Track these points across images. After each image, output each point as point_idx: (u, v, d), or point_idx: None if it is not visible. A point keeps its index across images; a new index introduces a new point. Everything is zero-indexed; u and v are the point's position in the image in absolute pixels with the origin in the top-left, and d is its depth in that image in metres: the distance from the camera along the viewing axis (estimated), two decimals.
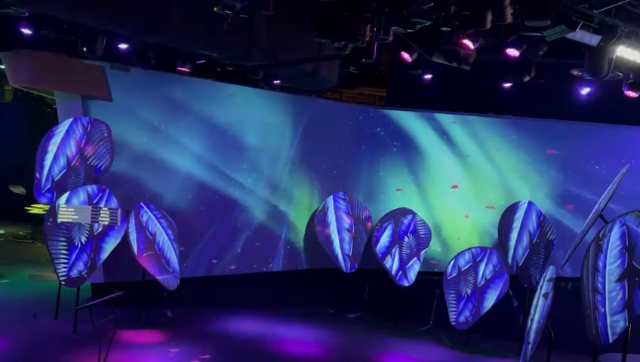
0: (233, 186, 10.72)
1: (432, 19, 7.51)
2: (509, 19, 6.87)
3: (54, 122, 9.83)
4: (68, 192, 8.80)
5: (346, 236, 11.27)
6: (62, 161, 9.30)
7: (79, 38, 9.05)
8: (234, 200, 10.75)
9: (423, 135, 11.59)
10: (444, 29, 7.84)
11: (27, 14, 8.85)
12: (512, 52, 8.41)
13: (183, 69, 10.07)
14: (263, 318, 10.38)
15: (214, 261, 10.63)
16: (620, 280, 7.14)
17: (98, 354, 7.23)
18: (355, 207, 11.44)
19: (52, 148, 9.29)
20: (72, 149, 9.31)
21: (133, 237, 9.18)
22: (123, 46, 9.76)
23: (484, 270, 10.10)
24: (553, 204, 11.15)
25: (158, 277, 9.28)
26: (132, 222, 9.24)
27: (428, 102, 11.67)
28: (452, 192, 11.51)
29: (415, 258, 11.12)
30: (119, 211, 9.05)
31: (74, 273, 8.65)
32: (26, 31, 9.47)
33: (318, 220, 11.23)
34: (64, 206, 8.68)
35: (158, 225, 9.51)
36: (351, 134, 11.73)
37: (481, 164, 11.46)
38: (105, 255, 8.94)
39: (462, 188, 11.51)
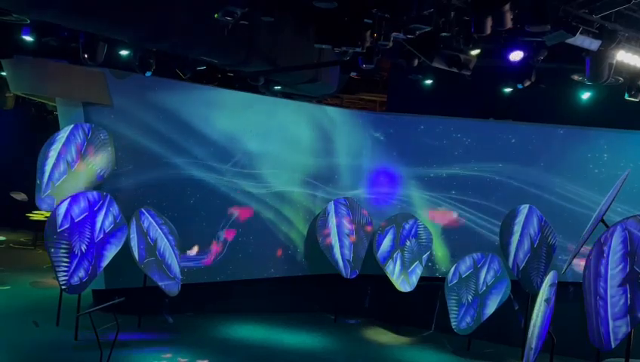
0: (234, 192, 10.72)
1: (432, 25, 7.52)
2: (509, 24, 6.88)
3: (56, 129, 9.85)
4: (68, 198, 8.80)
5: (347, 241, 11.26)
6: (62, 167, 9.31)
7: (80, 45, 9.08)
8: (235, 205, 10.75)
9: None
10: (444, 34, 7.85)
11: (29, 21, 8.90)
12: (516, 55, 8.40)
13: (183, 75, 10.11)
14: (264, 324, 10.36)
15: (216, 267, 10.62)
16: (622, 284, 7.12)
17: (100, 360, 7.22)
18: (355, 212, 11.44)
19: (53, 153, 9.30)
20: (72, 155, 9.32)
21: (134, 243, 9.17)
22: (124, 52, 9.80)
23: (486, 276, 10.09)
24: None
25: (160, 284, 9.28)
26: (133, 228, 9.23)
27: (428, 107, 11.68)
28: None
29: (417, 262, 11.11)
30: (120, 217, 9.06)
31: (75, 280, 8.64)
32: (28, 38, 9.51)
33: (318, 226, 11.23)
34: None
35: (160, 231, 9.51)
36: (352, 139, 11.74)
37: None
38: (106, 262, 8.93)
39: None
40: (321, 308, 11.43)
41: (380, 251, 11.07)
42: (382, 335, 10.56)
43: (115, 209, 9.06)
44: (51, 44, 9.77)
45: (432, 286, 11.00)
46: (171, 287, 9.39)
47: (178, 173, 10.15)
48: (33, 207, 10.93)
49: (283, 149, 11.16)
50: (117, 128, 9.58)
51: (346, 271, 11.12)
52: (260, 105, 11.00)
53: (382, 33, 7.61)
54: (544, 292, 7.65)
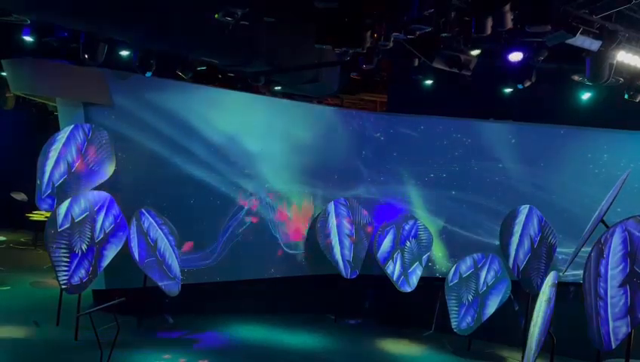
0: (235, 192, 10.73)
1: (432, 25, 7.52)
2: (510, 24, 6.88)
3: (56, 129, 9.85)
4: (69, 199, 8.81)
5: (347, 242, 11.26)
6: (62, 167, 9.31)
7: (81, 45, 9.07)
8: (235, 206, 10.75)
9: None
10: (444, 34, 7.85)
11: (29, 22, 8.90)
12: (516, 56, 8.40)
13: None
14: (264, 324, 10.36)
15: (216, 267, 10.62)
16: (622, 285, 7.13)
17: (100, 360, 7.22)
18: (355, 212, 11.44)
19: (53, 153, 9.30)
20: (73, 155, 9.32)
21: (134, 244, 9.17)
22: (124, 53, 9.80)
23: (486, 276, 10.09)
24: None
25: (160, 284, 9.28)
26: (133, 228, 9.23)
27: (428, 107, 11.68)
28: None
29: (417, 263, 11.11)
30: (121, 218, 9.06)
31: (75, 280, 8.65)
32: (28, 38, 9.51)
33: (319, 226, 11.23)
34: None
35: (160, 231, 9.51)
36: (352, 139, 11.74)
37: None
38: (106, 262, 8.94)
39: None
40: (322, 308, 11.42)
41: (380, 251, 11.07)
42: (382, 336, 10.56)
43: (115, 209, 9.06)
44: (51, 45, 9.77)
45: (432, 286, 11.00)
46: (171, 287, 9.39)
47: (178, 173, 10.15)
48: (33, 207, 10.94)
49: (283, 149, 11.16)
50: (117, 128, 9.58)
51: (346, 272, 11.12)
52: (260, 106, 11.01)
53: (382, 33, 7.60)
54: (545, 292, 7.65)
